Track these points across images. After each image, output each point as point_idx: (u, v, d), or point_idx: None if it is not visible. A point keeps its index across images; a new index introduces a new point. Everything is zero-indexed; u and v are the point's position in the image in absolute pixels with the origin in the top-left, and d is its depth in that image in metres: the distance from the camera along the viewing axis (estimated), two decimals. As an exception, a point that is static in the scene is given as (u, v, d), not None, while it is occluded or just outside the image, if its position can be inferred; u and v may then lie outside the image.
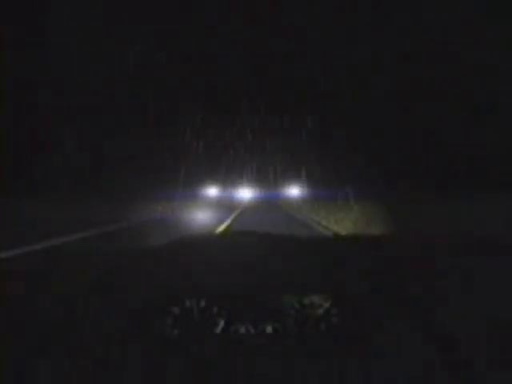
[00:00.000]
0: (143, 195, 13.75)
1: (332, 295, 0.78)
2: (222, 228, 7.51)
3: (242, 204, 20.62)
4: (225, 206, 17.77)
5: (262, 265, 0.81)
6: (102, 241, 5.81)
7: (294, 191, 31.57)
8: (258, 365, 0.69)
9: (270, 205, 20.26)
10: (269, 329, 0.76)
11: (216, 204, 19.96)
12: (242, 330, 0.77)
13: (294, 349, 0.73)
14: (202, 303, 0.79)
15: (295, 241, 0.94)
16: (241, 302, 0.79)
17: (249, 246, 0.88)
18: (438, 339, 0.67)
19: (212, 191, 25.43)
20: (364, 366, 0.68)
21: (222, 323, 0.77)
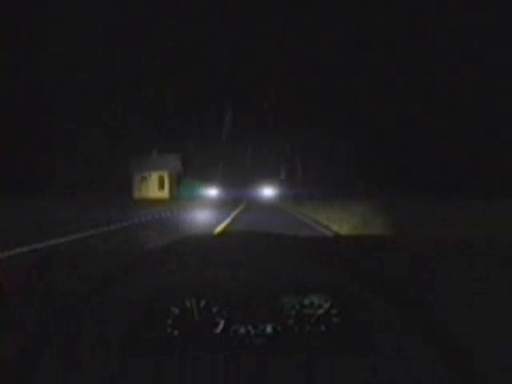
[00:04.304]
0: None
1: (332, 295, 0.78)
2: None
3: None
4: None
5: (261, 264, 0.81)
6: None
7: (268, 191, 34.29)
8: (258, 365, 0.69)
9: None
10: (269, 329, 0.77)
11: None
12: (242, 330, 0.77)
13: (294, 349, 0.73)
14: (202, 303, 0.79)
15: (294, 240, 0.94)
16: (241, 302, 0.78)
17: (247, 245, 0.88)
18: (437, 339, 0.67)
19: (212, 192, 32.91)
20: (364, 365, 0.68)
21: (222, 323, 0.77)
